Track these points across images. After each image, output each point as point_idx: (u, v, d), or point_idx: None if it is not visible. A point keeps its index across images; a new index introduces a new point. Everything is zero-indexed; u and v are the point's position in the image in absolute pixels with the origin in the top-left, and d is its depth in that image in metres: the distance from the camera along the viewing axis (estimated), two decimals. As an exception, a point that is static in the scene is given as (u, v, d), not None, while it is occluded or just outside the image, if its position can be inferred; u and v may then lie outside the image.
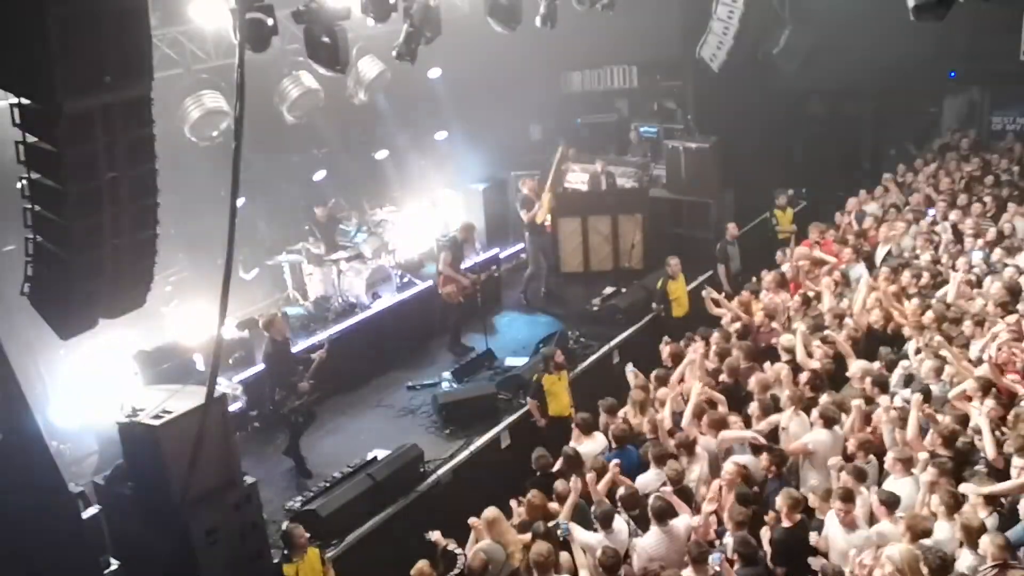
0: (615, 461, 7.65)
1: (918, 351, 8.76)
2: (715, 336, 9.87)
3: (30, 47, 4.53)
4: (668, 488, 7.21)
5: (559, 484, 7.61)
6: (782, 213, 14.16)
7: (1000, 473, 6.75)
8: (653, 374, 9.34)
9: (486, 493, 7.88)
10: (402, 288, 13.22)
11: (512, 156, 16.66)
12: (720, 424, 7.99)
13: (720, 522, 6.99)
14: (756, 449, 7.61)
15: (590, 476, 7.50)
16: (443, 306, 12.07)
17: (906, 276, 10.51)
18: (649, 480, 7.63)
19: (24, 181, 5.11)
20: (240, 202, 6.62)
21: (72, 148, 4.88)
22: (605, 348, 11.86)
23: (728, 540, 6.67)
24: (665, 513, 6.81)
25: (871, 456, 7.36)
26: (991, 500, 6.43)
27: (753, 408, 8.31)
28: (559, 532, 6.84)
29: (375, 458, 9.19)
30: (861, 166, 16.59)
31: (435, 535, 7.26)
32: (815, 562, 6.41)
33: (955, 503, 6.27)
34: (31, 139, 4.93)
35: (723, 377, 8.93)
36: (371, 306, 12.51)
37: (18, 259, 5.52)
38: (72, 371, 10.40)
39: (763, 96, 15.72)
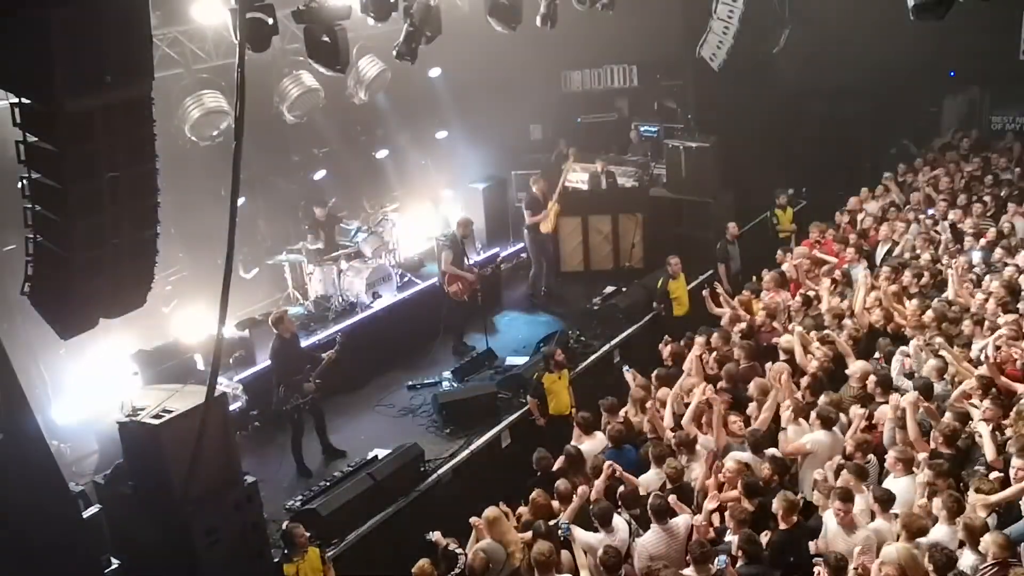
0: (608, 462, 7.64)
1: (920, 350, 8.76)
2: (715, 336, 9.87)
3: (31, 47, 4.53)
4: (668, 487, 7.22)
5: (561, 483, 7.61)
6: (782, 212, 14.16)
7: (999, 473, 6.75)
8: (654, 373, 9.34)
9: (487, 492, 7.88)
10: (402, 287, 13.23)
11: (512, 155, 16.68)
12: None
13: (721, 520, 6.99)
14: (756, 448, 7.61)
15: (595, 481, 7.51)
16: (449, 305, 12.08)
17: (907, 276, 10.51)
18: (650, 480, 7.63)
19: (24, 181, 5.11)
20: (240, 201, 6.63)
21: (72, 148, 4.87)
22: (606, 347, 11.86)
23: (729, 539, 6.67)
24: (664, 512, 6.81)
25: (870, 456, 7.36)
26: (991, 504, 6.43)
27: (752, 409, 8.32)
28: (560, 532, 6.84)
29: (375, 457, 9.19)
30: (861, 165, 16.57)
31: (435, 535, 7.26)
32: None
33: (957, 508, 6.26)
34: (31, 139, 4.93)
35: (721, 384, 8.91)
36: (371, 305, 12.52)
37: (18, 259, 5.51)
38: (72, 371, 10.40)
39: (763, 96, 15.72)
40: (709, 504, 6.97)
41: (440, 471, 9.36)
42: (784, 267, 11.68)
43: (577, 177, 15.54)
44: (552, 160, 16.85)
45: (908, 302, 9.80)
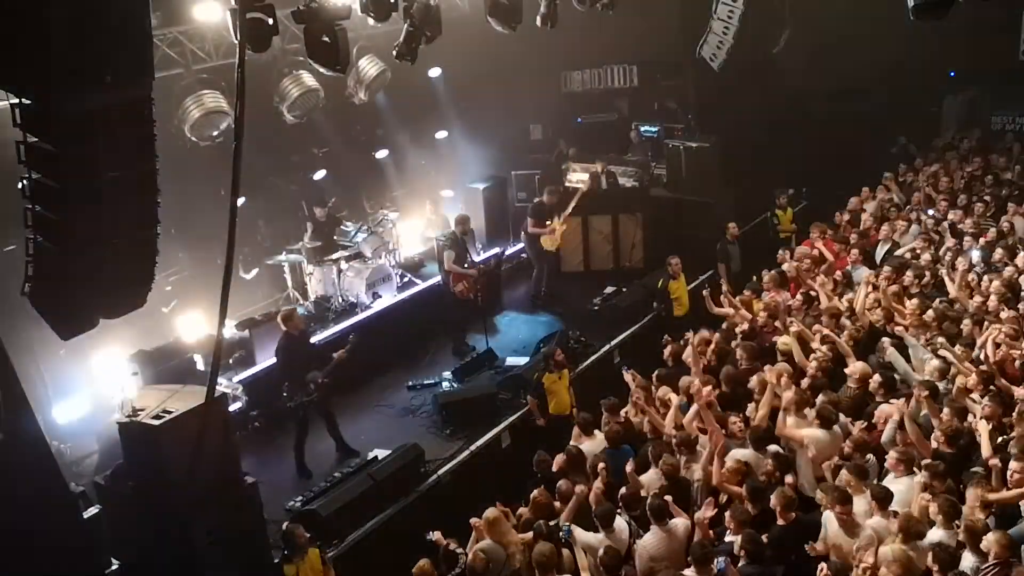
0: (601, 465, 7.63)
1: (929, 346, 8.76)
2: (716, 335, 9.87)
3: (31, 47, 4.53)
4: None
5: (562, 483, 7.61)
6: (782, 213, 14.15)
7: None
8: (654, 374, 9.34)
9: (487, 493, 7.88)
10: (402, 288, 13.23)
11: (512, 155, 16.66)
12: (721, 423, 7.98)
13: (722, 521, 6.98)
14: (758, 444, 7.59)
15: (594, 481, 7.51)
16: (455, 304, 12.10)
17: (908, 276, 10.50)
18: (650, 480, 7.62)
19: (24, 181, 5.10)
20: (240, 202, 6.62)
21: (72, 148, 4.87)
22: (606, 347, 11.85)
23: (729, 539, 6.66)
24: (663, 512, 6.80)
25: (869, 455, 7.35)
26: (988, 504, 6.42)
27: (751, 409, 8.31)
28: (561, 535, 6.84)
29: (375, 458, 9.19)
30: (861, 165, 16.56)
31: (436, 535, 7.26)
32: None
33: (953, 511, 6.25)
34: (31, 139, 4.93)
35: (722, 388, 8.90)
36: (371, 306, 12.52)
37: (19, 259, 5.51)
38: (72, 371, 10.40)
39: (763, 96, 15.72)
40: (706, 512, 6.92)
41: (440, 472, 9.36)
42: (784, 267, 11.67)
43: (577, 177, 15.54)
44: (552, 160, 16.86)
45: (908, 302, 9.79)
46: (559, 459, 8.12)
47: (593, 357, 11.63)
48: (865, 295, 10.03)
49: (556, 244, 13.33)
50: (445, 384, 11.18)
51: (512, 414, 10.31)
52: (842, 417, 7.84)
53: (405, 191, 15.66)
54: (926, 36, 12.95)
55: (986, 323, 8.97)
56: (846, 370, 8.58)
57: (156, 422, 6.57)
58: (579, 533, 6.86)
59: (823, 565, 6.04)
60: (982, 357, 8.26)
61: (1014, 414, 7.33)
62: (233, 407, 10.24)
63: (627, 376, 9.37)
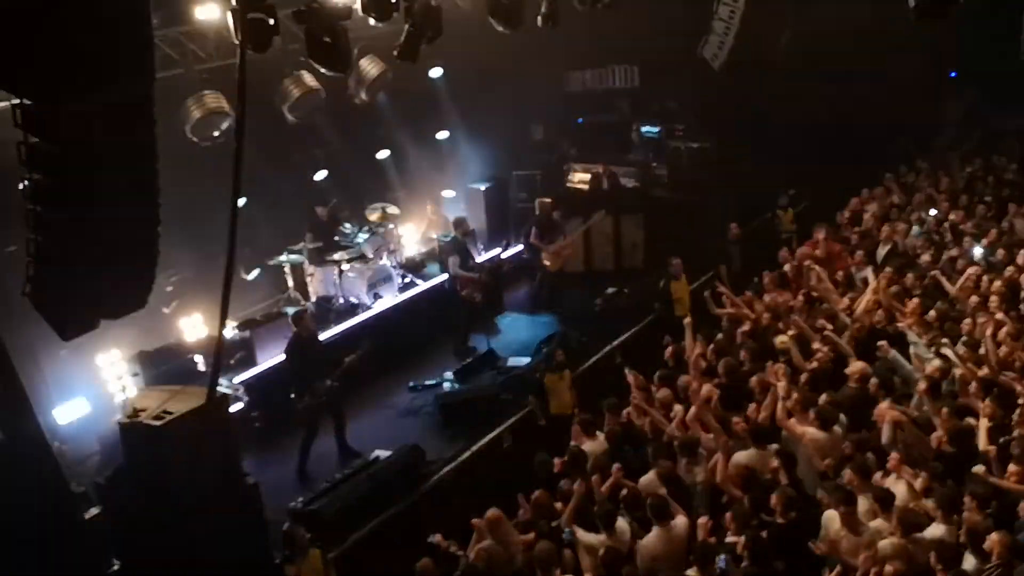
0: (617, 465, 7.62)
1: (930, 346, 8.75)
2: (719, 336, 9.86)
3: (31, 47, 4.53)
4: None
5: (564, 484, 7.61)
6: (783, 213, 14.14)
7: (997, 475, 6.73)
8: (656, 375, 9.32)
9: (488, 493, 7.87)
10: (404, 288, 13.22)
11: (514, 156, 16.65)
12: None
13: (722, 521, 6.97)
14: (758, 440, 7.57)
15: (594, 478, 7.49)
16: (460, 305, 12.12)
17: (909, 276, 10.50)
18: (651, 481, 7.61)
19: (25, 182, 5.10)
20: (241, 202, 6.62)
21: (73, 149, 4.87)
22: (607, 348, 11.84)
23: (729, 539, 6.64)
24: (663, 512, 6.78)
25: (868, 454, 7.34)
26: (985, 504, 6.39)
27: (751, 409, 8.30)
28: (563, 537, 6.83)
29: (377, 458, 9.18)
30: (862, 166, 16.55)
31: (437, 538, 7.25)
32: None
33: (953, 505, 6.24)
34: (32, 140, 4.93)
35: (718, 381, 8.88)
36: (372, 306, 12.51)
37: (19, 260, 5.51)
38: (73, 372, 10.39)
39: (764, 96, 15.71)
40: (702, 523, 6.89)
41: (441, 472, 9.35)
42: (786, 268, 11.66)
43: (579, 177, 15.56)
44: (554, 161, 16.86)
45: (909, 302, 9.79)
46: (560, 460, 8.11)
47: (594, 358, 11.62)
48: (867, 296, 10.02)
49: (557, 266, 13.32)
50: (446, 385, 11.17)
51: (513, 415, 10.29)
52: (842, 417, 7.83)
53: (406, 191, 15.65)
54: (926, 36, 12.93)
55: (986, 324, 8.95)
56: (846, 370, 8.57)
57: (157, 423, 6.57)
58: (581, 534, 6.85)
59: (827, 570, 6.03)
60: (982, 353, 8.26)
61: (1015, 415, 7.32)
62: (234, 408, 10.24)
63: (629, 377, 9.37)
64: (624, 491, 7.32)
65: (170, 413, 6.64)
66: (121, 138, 5.05)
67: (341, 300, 12.73)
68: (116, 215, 5.23)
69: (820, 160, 16.08)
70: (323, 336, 11.23)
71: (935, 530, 6.17)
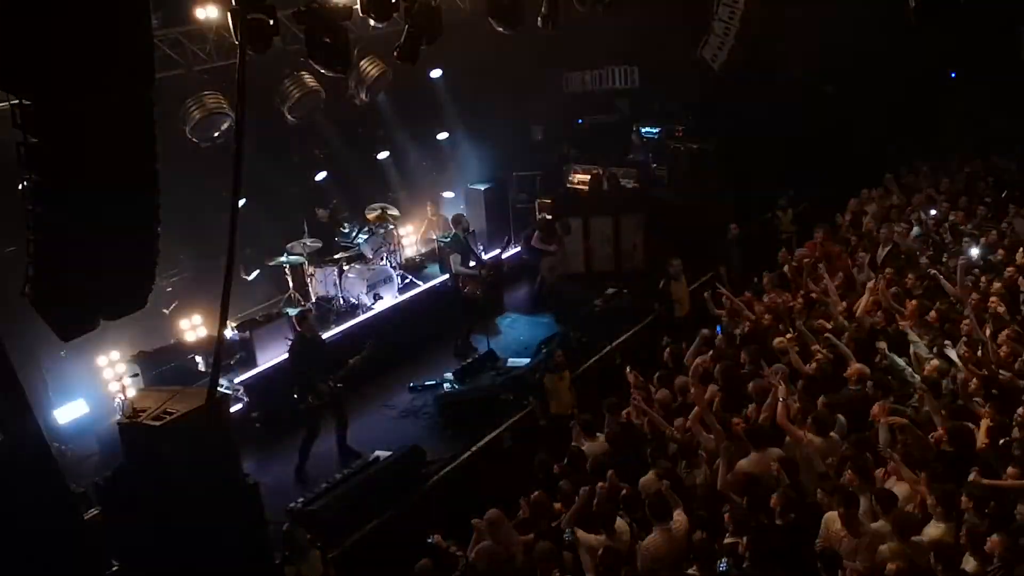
0: (610, 472, 7.62)
1: (936, 347, 8.75)
2: (719, 337, 9.85)
3: (31, 48, 4.53)
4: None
5: (563, 484, 7.60)
6: (783, 214, 14.13)
7: (994, 475, 6.71)
8: (656, 375, 9.32)
9: (488, 494, 7.87)
10: (403, 289, 13.23)
11: (514, 156, 16.65)
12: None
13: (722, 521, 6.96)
14: (758, 443, 7.56)
15: (593, 479, 7.49)
16: (462, 305, 12.13)
17: (909, 277, 10.49)
18: (650, 482, 7.60)
19: (25, 182, 5.10)
20: (241, 203, 6.62)
21: (73, 149, 4.87)
22: (607, 348, 11.83)
23: (728, 540, 6.64)
24: (663, 512, 6.78)
25: (868, 455, 7.34)
26: (983, 505, 6.39)
27: (751, 410, 8.30)
28: (565, 537, 6.82)
29: (377, 459, 9.18)
30: (862, 166, 16.56)
31: (436, 538, 7.24)
32: None
33: (951, 503, 6.24)
34: (32, 140, 4.92)
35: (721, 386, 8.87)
36: (372, 307, 12.52)
37: (19, 260, 5.51)
38: (73, 372, 10.39)
39: (764, 96, 15.70)
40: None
41: (441, 472, 9.35)
42: (785, 268, 11.66)
43: (579, 178, 15.57)
44: (554, 162, 16.86)
45: (909, 303, 9.78)
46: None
47: (594, 358, 11.62)
48: (866, 297, 10.01)
49: (555, 276, 13.35)
50: (446, 385, 11.17)
51: (513, 415, 10.29)
52: (841, 419, 7.82)
53: (406, 192, 15.65)
54: (926, 36, 12.92)
55: (987, 324, 8.95)
56: (846, 372, 8.56)
57: (157, 423, 6.56)
58: (581, 535, 6.84)
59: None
60: (981, 353, 8.26)
61: (1015, 416, 7.31)
62: (234, 408, 10.24)
63: (629, 377, 9.37)
64: (624, 491, 7.31)
65: (170, 414, 6.63)
66: (121, 139, 5.05)
67: (341, 301, 12.74)
68: (116, 216, 5.23)
69: (820, 160, 16.10)
70: (323, 337, 11.23)
71: (934, 531, 6.17)
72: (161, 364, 10.49)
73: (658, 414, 8.50)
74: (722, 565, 6.06)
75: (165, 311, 11.44)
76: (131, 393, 10.37)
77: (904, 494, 6.71)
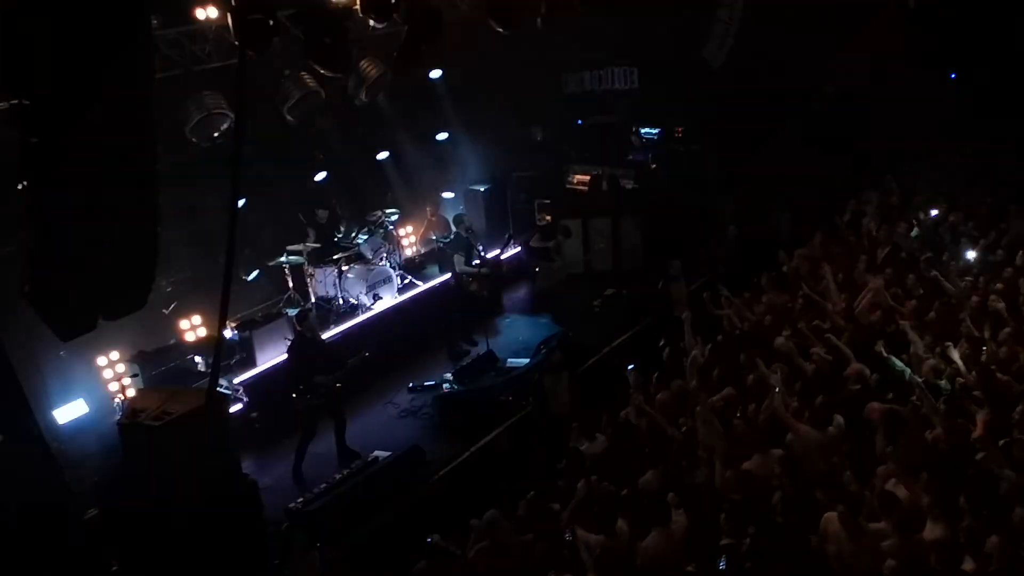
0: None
1: (935, 347, 8.75)
2: (717, 338, 9.86)
3: (31, 47, 4.53)
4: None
5: (562, 484, 7.60)
6: (782, 214, 14.12)
7: (992, 475, 6.72)
8: (655, 376, 9.33)
9: (487, 494, 7.87)
10: (403, 289, 13.23)
11: (513, 157, 16.66)
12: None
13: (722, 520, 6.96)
14: (760, 443, 7.56)
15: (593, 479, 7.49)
16: (463, 304, 12.15)
17: (909, 277, 10.50)
18: (650, 482, 7.61)
19: (24, 182, 5.10)
20: (240, 203, 6.63)
21: (72, 149, 4.87)
22: (606, 349, 11.84)
23: (724, 541, 6.64)
24: (663, 513, 6.79)
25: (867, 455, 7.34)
26: (981, 505, 6.39)
27: (751, 410, 8.31)
28: (565, 537, 6.82)
29: (376, 459, 9.19)
30: (862, 167, 16.57)
31: (436, 538, 7.25)
32: None
33: (950, 505, 6.24)
34: (31, 139, 4.92)
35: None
36: (372, 307, 12.52)
37: (18, 260, 5.51)
38: (72, 372, 10.39)
39: (764, 96, 15.70)
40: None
41: (441, 473, 9.35)
42: (784, 269, 11.66)
43: (578, 179, 15.58)
44: (553, 162, 16.86)
45: (909, 303, 9.79)
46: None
47: (593, 359, 11.62)
48: (866, 297, 10.02)
49: (553, 278, 13.40)
50: (446, 386, 11.18)
51: (512, 415, 10.30)
52: (840, 419, 7.82)
53: (406, 193, 15.65)
54: (926, 36, 12.94)
55: (985, 324, 8.96)
56: (845, 372, 8.57)
57: (156, 423, 6.57)
58: (581, 535, 6.84)
59: None
60: (980, 355, 8.26)
61: (1014, 415, 7.32)
62: (234, 408, 10.25)
63: (630, 377, 9.38)
64: (623, 492, 7.32)
65: (169, 414, 6.64)
66: (120, 138, 5.05)
67: (341, 301, 12.74)
68: (115, 215, 5.22)
69: (819, 161, 16.09)
70: (322, 337, 11.24)
71: (933, 531, 6.17)
72: (161, 364, 10.50)
73: (658, 414, 8.51)
74: (722, 565, 6.06)
75: (165, 311, 11.44)
76: (131, 393, 10.38)
77: (903, 494, 6.71)
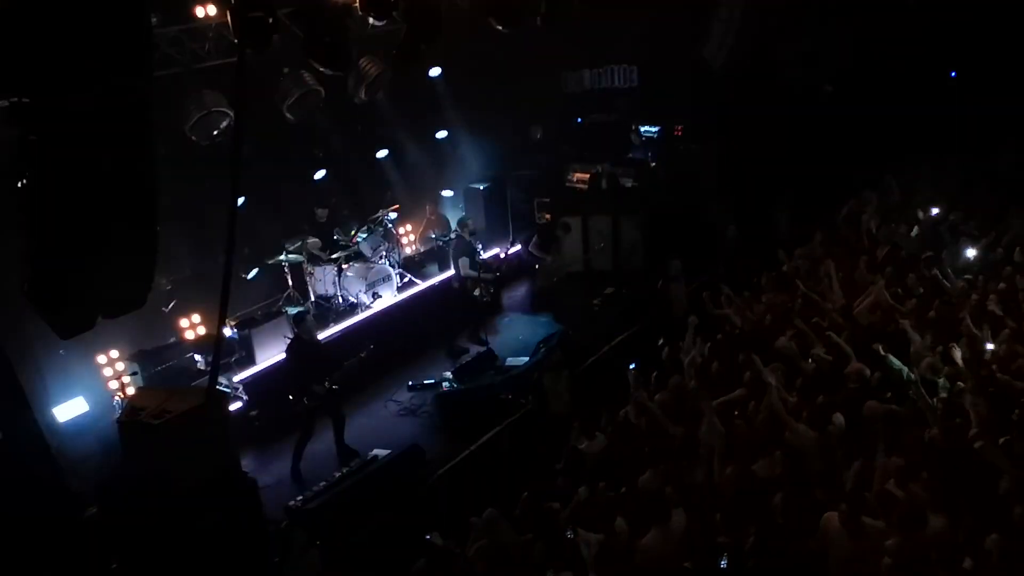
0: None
1: (935, 346, 8.75)
2: (717, 337, 9.85)
3: (31, 45, 4.52)
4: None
5: (562, 483, 7.60)
6: (782, 213, 14.11)
7: (992, 474, 6.73)
8: (655, 374, 9.33)
9: (486, 493, 7.87)
10: (403, 288, 13.23)
11: (513, 155, 16.66)
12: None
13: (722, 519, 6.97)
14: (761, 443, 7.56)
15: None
16: (464, 304, 12.18)
17: (909, 276, 10.50)
18: (650, 480, 7.60)
19: (24, 180, 5.09)
20: (240, 201, 6.62)
21: (72, 147, 4.86)
22: (606, 348, 11.84)
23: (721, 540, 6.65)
24: (663, 512, 6.79)
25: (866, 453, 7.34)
26: (979, 503, 6.39)
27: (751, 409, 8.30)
28: (567, 535, 6.83)
29: (375, 458, 9.19)
30: (862, 165, 16.58)
31: (435, 536, 7.24)
32: None
33: (949, 503, 6.24)
34: (31, 137, 4.92)
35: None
36: (371, 306, 12.52)
37: (17, 258, 5.50)
38: (72, 371, 10.39)
39: (764, 95, 15.71)
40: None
41: (440, 471, 9.35)
42: (784, 268, 11.66)
43: (578, 178, 15.58)
44: (553, 161, 16.86)
45: (909, 302, 9.79)
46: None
47: (593, 357, 11.62)
48: (866, 296, 10.02)
49: (552, 277, 13.40)
50: (445, 384, 11.18)
51: (512, 414, 10.30)
52: (840, 418, 7.82)
53: (405, 191, 15.65)
54: (926, 35, 12.93)
55: (985, 324, 8.95)
56: (845, 370, 8.57)
57: (156, 422, 6.57)
58: (580, 533, 6.84)
59: None
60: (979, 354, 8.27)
61: (1013, 414, 7.32)
62: (233, 407, 10.25)
63: (630, 376, 9.37)
64: (622, 490, 7.32)
65: (169, 412, 6.64)
66: (120, 136, 5.04)
67: (340, 299, 12.74)
68: (115, 214, 5.22)
69: (820, 160, 16.09)
70: (322, 335, 11.24)
71: (933, 529, 6.17)
72: (160, 362, 10.49)
73: (658, 413, 8.50)
74: (722, 563, 6.07)
75: (164, 309, 11.44)
76: (130, 391, 10.38)
77: (902, 493, 6.71)
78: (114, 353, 10.72)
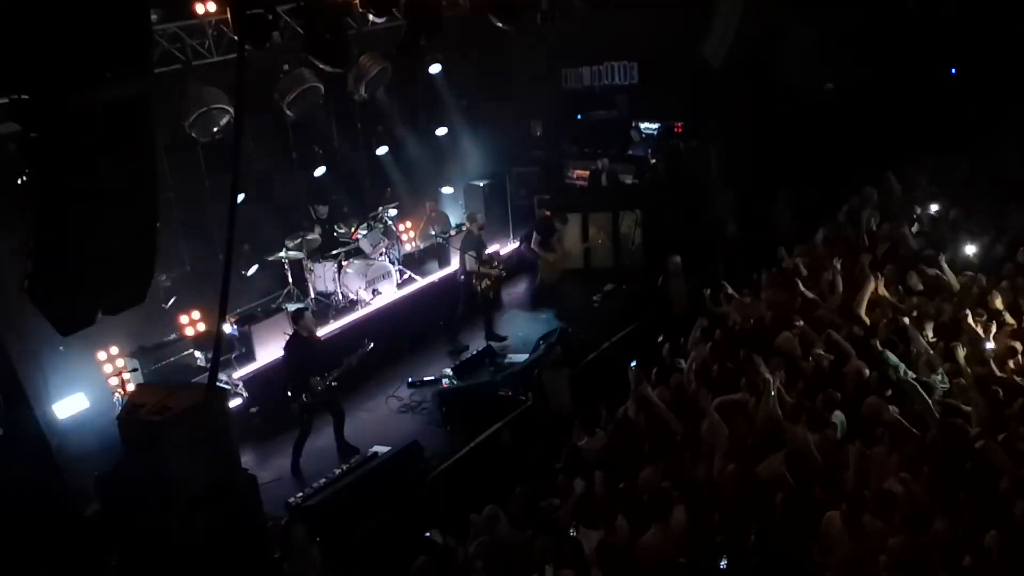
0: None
1: (935, 343, 8.75)
2: (717, 334, 9.86)
3: (31, 43, 4.52)
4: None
5: (562, 480, 7.61)
6: (782, 211, 14.10)
7: (991, 474, 6.72)
8: (655, 372, 9.33)
9: (487, 489, 7.88)
10: (402, 284, 13.23)
11: (513, 152, 16.65)
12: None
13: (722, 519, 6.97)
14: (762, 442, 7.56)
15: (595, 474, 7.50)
16: (480, 300, 12.23)
17: (909, 275, 10.49)
18: (650, 477, 7.61)
19: (24, 177, 5.09)
20: (240, 198, 6.62)
21: (72, 144, 4.87)
22: (606, 345, 11.84)
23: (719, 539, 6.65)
24: (663, 510, 6.79)
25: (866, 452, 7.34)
26: (980, 502, 6.39)
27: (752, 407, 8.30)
28: (570, 532, 6.84)
29: (375, 454, 9.20)
30: (862, 164, 16.57)
31: (435, 533, 7.25)
32: None
33: (949, 502, 6.24)
34: (31, 135, 4.92)
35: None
36: (371, 302, 12.52)
37: (18, 255, 5.51)
38: (72, 367, 10.39)
39: (764, 93, 15.70)
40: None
41: (440, 468, 9.36)
42: (784, 266, 11.65)
43: (578, 174, 15.57)
44: (553, 158, 16.85)
45: (908, 301, 9.79)
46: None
47: (593, 354, 11.63)
48: (867, 295, 10.01)
49: (553, 277, 13.37)
50: (445, 381, 11.18)
51: (512, 411, 10.30)
52: (841, 416, 7.83)
53: (405, 188, 15.64)
54: (926, 34, 12.92)
55: (985, 323, 8.95)
56: (844, 369, 8.57)
57: (156, 418, 6.56)
58: (581, 530, 6.85)
59: None
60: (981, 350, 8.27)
61: (1013, 412, 7.32)
62: (233, 404, 10.26)
63: (630, 373, 9.37)
64: (623, 487, 7.32)
65: (169, 408, 6.63)
66: (120, 133, 5.04)
67: (340, 296, 12.74)
68: (115, 211, 5.22)
69: (820, 158, 16.09)
70: (322, 332, 11.24)
71: (933, 528, 6.17)
72: (160, 359, 10.49)
73: (658, 410, 8.50)
74: (722, 564, 6.07)
75: (164, 306, 11.44)
76: (131, 388, 10.38)
77: (902, 492, 6.72)
78: (114, 349, 10.71)
